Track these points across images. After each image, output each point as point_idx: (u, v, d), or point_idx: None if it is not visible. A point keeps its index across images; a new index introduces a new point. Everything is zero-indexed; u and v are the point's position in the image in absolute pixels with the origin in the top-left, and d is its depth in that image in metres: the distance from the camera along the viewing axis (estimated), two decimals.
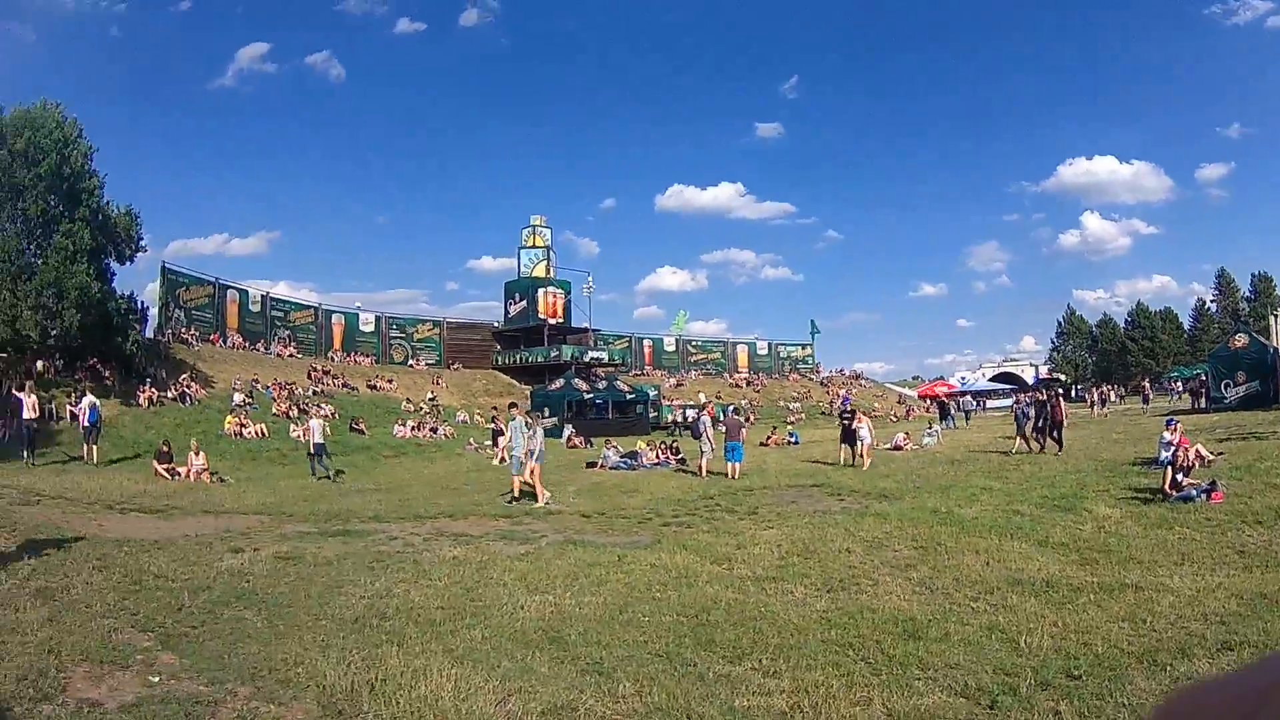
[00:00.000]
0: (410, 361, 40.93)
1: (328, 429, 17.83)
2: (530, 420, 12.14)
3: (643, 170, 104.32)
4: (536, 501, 11.30)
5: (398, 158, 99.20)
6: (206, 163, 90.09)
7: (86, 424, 17.06)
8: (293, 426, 23.00)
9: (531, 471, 11.66)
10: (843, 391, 47.33)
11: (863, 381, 56.66)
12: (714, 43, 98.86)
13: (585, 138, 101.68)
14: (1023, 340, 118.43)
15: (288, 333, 37.42)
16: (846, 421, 16.53)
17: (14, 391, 17.29)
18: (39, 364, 22.51)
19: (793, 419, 38.59)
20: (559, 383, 32.73)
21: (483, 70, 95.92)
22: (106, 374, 23.46)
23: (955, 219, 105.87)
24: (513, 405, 13.72)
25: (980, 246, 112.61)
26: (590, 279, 45.88)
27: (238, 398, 24.84)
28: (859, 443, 15.66)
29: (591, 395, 32.20)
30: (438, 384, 36.65)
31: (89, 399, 17.61)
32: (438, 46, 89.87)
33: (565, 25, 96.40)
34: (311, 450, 16.58)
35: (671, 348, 52.77)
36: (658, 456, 18.36)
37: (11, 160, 22.48)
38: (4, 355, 23.32)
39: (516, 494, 11.68)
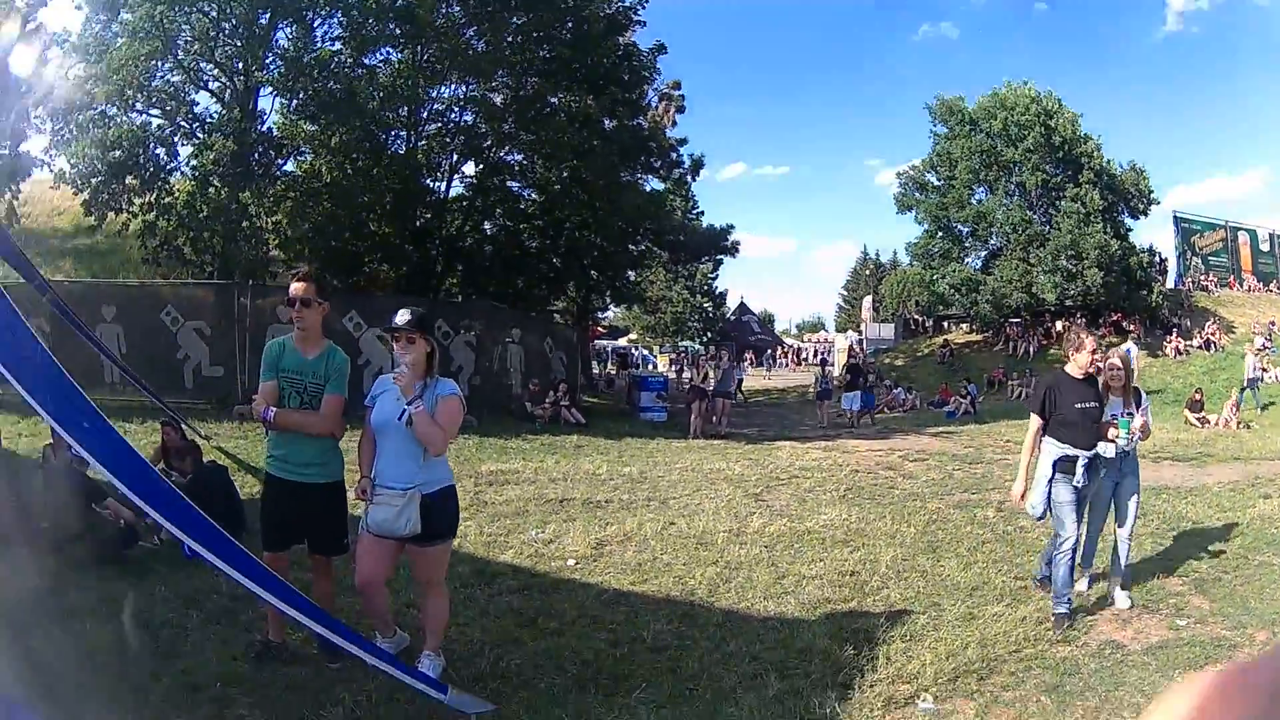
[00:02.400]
0: None
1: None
2: None
3: None
4: None
5: None
6: (1183, 107, 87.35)
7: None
8: None
9: None
10: None
11: None
12: None
13: None
14: None
15: None
16: None
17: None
18: (1058, 324, 24.37)
19: None
20: None
21: None
22: (1130, 327, 24.16)
23: None
24: None
25: None
26: None
27: (1258, 341, 23.63)
28: None
29: None
30: None
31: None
32: None
33: None
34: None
35: None
36: None
37: (993, 142, 24.80)
38: (1020, 320, 25.52)
39: None
